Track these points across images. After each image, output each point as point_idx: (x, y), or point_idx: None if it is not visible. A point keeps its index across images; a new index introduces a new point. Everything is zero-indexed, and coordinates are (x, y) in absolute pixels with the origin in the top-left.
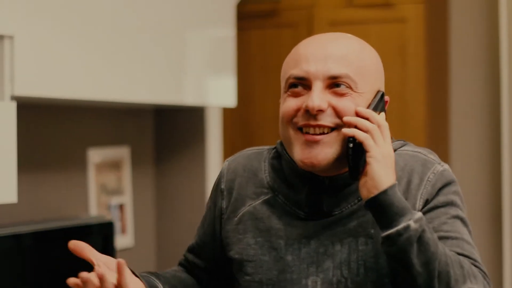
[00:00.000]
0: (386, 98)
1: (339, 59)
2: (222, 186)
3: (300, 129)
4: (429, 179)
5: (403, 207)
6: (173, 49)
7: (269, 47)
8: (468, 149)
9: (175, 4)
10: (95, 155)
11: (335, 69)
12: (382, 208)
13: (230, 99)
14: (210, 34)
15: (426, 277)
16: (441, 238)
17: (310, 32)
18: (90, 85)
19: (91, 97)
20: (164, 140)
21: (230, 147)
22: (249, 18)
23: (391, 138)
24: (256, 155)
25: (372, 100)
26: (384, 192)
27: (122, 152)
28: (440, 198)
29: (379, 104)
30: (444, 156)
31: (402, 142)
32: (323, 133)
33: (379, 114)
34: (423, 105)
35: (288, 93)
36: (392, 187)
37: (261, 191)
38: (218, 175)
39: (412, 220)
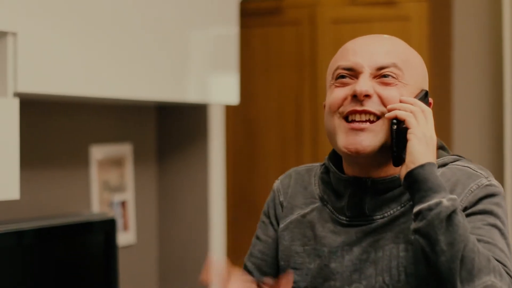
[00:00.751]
0: (430, 100)
1: (385, 52)
2: (281, 199)
3: (346, 118)
4: (471, 189)
5: (438, 184)
6: (176, 46)
7: (272, 45)
8: (470, 148)
9: (178, 1)
10: (98, 152)
11: (382, 60)
12: (417, 183)
13: (232, 96)
14: (213, 31)
15: (449, 256)
16: None
17: (313, 30)
18: (92, 82)
19: (93, 94)
20: (166, 137)
21: (232, 145)
22: (251, 16)
23: (448, 151)
24: (307, 171)
25: (416, 96)
26: (421, 166)
27: (125, 149)
28: (479, 206)
29: (423, 101)
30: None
31: (456, 157)
32: (369, 121)
33: None
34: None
35: (336, 84)
36: (429, 164)
37: (310, 201)
38: (272, 192)
39: (446, 198)
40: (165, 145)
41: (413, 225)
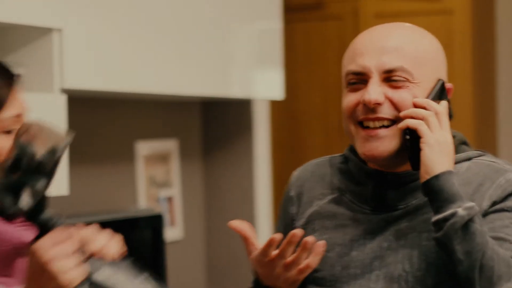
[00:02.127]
0: (449, 85)
1: (393, 51)
2: (292, 194)
3: (360, 123)
4: (500, 183)
5: (453, 193)
6: (220, 41)
7: (315, 39)
8: None
9: None
10: (144, 148)
11: (389, 63)
12: (433, 194)
13: (277, 91)
14: (256, 26)
15: (466, 266)
16: (498, 239)
17: (355, 25)
18: (138, 78)
19: (139, 90)
20: (212, 132)
21: (277, 139)
22: (294, 11)
23: (470, 147)
24: (324, 162)
25: (432, 90)
26: (435, 177)
27: (171, 145)
28: (509, 203)
29: (439, 93)
30: (491, 150)
31: (480, 152)
32: (383, 126)
33: (439, 102)
34: (470, 98)
35: (348, 88)
36: (444, 173)
37: (328, 191)
38: (287, 185)
39: (461, 207)
40: (211, 140)
41: (433, 235)
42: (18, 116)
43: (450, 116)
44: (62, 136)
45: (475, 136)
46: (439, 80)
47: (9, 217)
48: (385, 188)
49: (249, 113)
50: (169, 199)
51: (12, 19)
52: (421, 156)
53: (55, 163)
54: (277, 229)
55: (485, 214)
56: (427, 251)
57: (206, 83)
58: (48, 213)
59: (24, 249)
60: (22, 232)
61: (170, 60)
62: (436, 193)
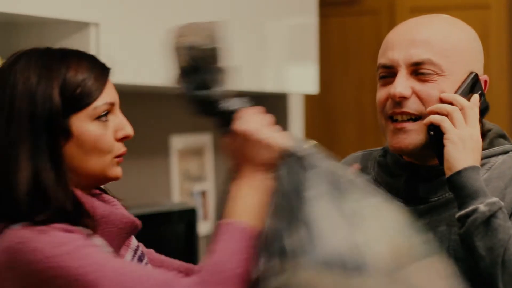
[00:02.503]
0: (484, 78)
1: (421, 44)
2: None
3: (390, 117)
4: None
5: (475, 190)
6: (255, 36)
7: (350, 34)
8: None
9: None
10: (178, 142)
11: (416, 55)
12: (456, 190)
13: (312, 86)
14: (292, 21)
15: (488, 262)
16: None
17: (391, 20)
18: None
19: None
20: None
21: (311, 134)
22: (330, 6)
23: (509, 140)
24: (365, 155)
25: (462, 83)
26: (457, 173)
27: (205, 139)
28: None
29: (471, 86)
30: None
31: None
32: (411, 120)
33: (470, 96)
34: (506, 93)
35: (380, 82)
36: (467, 169)
37: None
38: None
39: (483, 203)
40: None
41: (458, 232)
42: (112, 104)
43: (486, 109)
44: (210, 23)
45: (510, 130)
46: (471, 73)
47: (222, 115)
48: (417, 181)
49: (284, 108)
50: (203, 193)
51: (50, 14)
52: (444, 152)
53: (218, 50)
54: None
55: None
56: (456, 245)
57: (241, 77)
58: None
59: (133, 230)
60: (127, 212)
61: None
62: (458, 189)
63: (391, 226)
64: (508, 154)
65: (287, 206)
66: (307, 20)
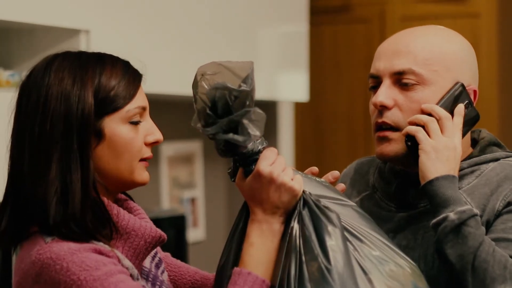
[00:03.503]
0: (473, 87)
1: (404, 54)
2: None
3: (376, 126)
4: None
5: (446, 198)
6: (246, 43)
7: (341, 42)
8: None
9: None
10: (168, 149)
11: (398, 65)
12: (429, 199)
13: (302, 93)
14: (282, 29)
15: (459, 269)
16: (506, 240)
17: (382, 28)
18: (163, 79)
19: (164, 91)
20: None
21: (301, 142)
22: (321, 14)
23: (504, 148)
24: (368, 161)
25: (446, 93)
26: (429, 182)
27: (195, 146)
28: None
29: (455, 96)
30: None
31: (509, 153)
32: (392, 129)
33: (454, 106)
34: (495, 102)
35: (371, 92)
36: (438, 178)
37: (363, 189)
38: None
39: (453, 212)
40: None
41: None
42: (143, 108)
43: (475, 118)
44: (242, 64)
45: (500, 139)
46: (456, 83)
47: (245, 156)
48: (408, 187)
49: (274, 115)
50: (192, 200)
51: (41, 21)
52: (419, 162)
53: (252, 93)
54: None
55: (498, 214)
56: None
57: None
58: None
59: (158, 243)
60: (154, 226)
61: (196, 62)
62: (431, 197)
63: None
64: (499, 161)
65: (309, 252)
66: (298, 28)
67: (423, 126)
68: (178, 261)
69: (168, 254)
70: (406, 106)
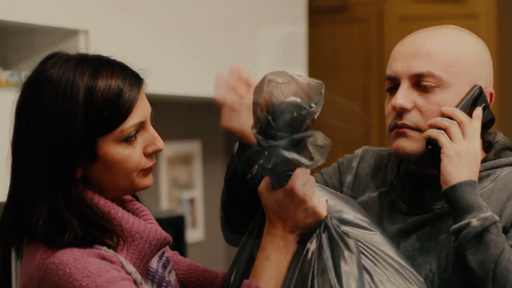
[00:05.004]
0: (489, 90)
1: (423, 56)
2: (354, 164)
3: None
4: None
5: (469, 204)
6: (244, 43)
7: (339, 42)
8: None
9: (248, 0)
10: (167, 150)
11: (417, 67)
12: (451, 204)
13: None
14: (281, 29)
15: (480, 276)
16: None
17: (380, 28)
18: (162, 79)
19: (163, 92)
20: (234, 135)
21: None
22: (319, 13)
23: None
24: (384, 154)
25: (465, 96)
26: (452, 188)
27: (194, 147)
28: None
29: (474, 99)
30: None
31: None
32: (411, 129)
33: (472, 109)
34: (494, 103)
35: (387, 94)
36: (461, 184)
37: (381, 184)
38: (353, 155)
39: (476, 218)
40: (234, 142)
41: (453, 244)
42: (141, 122)
43: (491, 121)
44: (314, 83)
45: None
46: (474, 85)
47: (282, 171)
48: (423, 189)
49: None
50: (191, 201)
51: (40, 21)
52: (440, 166)
53: (314, 114)
54: (326, 175)
55: None
56: (455, 254)
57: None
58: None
59: (163, 245)
60: (160, 228)
61: (194, 62)
62: (453, 203)
63: None
64: None
65: (323, 274)
66: (296, 28)
67: (444, 130)
68: (187, 260)
69: (176, 252)
70: (426, 108)
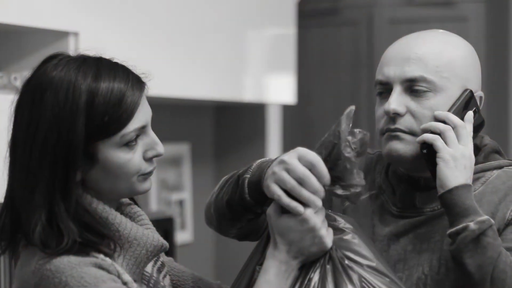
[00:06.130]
0: (479, 93)
1: (415, 61)
2: None
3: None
4: None
5: (466, 208)
6: (234, 46)
7: (329, 45)
8: None
9: (236, 2)
10: None
11: (410, 72)
12: (447, 207)
13: (290, 96)
14: (270, 32)
15: (478, 279)
16: None
17: (370, 31)
18: (151, 81)
19: (152, 94)
20: (224, 137)
21: (289, 144)
22: (309, 17)
23: (504, 156)
24: (377, 156)
25: (456, 100)
26: (449, 191)
27: (183, 149)
28: None
29: (465, 103)
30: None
31: (511, 161)
32: (404, 132)
33: (464, 112)
34: (484, 106)
35: (378, 99)
36: (458, 187)
37: (370, 187)
38: None
39: (473, 221)
40: (223, 144)
41: (449, 248)
42: (142, 127)
43: (481, 125)
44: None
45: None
46: (465, 90)
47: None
48: (414, 191)
49: (262, 118)
50: (180, 202)
51: (30, 23)
52: (436, 170)
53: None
54: None
55: (508, 224)
56: (448, 256)
57: (219, 87)
58: None
59: (159, 252)
60: (158, 235)
61: (184, 64)
62: (449, 207)
63: None
64: (503, 169)
65: None
66: (286, 30)
67: (439, 134)
68: (182, 266)
69: (171, 259)
70: (419, 112)
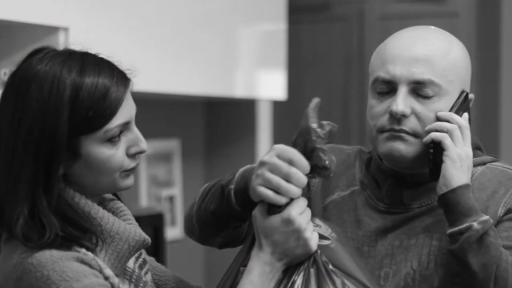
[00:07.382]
0: (471, 96)
1: (423, 63)
2: None
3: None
4: None
5: (469, 207)
6: (224, 42)
7: (320, 41)
8: None
9: None
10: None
11: (418, 74)
12: (450, 206)
13: (280, 92)
14: (261, 27)
15: (482, 278)
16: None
17: (360, 27)
18: (141, 77)
19: (142, 89)
20: (214, 133)
21: (280, 140)
22: (300, 12)
23: (484, 152)
24: (353, 153)
25: (456, 102)
26: (453, 191)
27: (173, 145)
28: None
29: (463, 105)
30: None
31: (493, 157)
32: (408, 134)
33: (461, 115)
34: (475, 103)
35: (375, 95)
36: (461, 187)
37: (351, 183)
38: None
39: (476, 221)
40: (213, 140)
41: (448, 247)
42: (126, 123)
43: (469, 125)
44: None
45: (479, 138)
46: (463, 91)
47: (322, 173)
48: (402, 187)
49: (252, 114)
50: (171, 199)
51: (19, 18)
52: (442, 168)
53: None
54: None
55: (500, 221)
56: (436, 251)
57: (210, 83)
58: None
59: (141, 247)
60: (140, 230)
61: (174, 60)
62: (452, 206)
63: None
64: (486, 165)
65: None
66: (276, 26)
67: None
68: (163, 267)
69: (152, 258)
70: (424, 115)
